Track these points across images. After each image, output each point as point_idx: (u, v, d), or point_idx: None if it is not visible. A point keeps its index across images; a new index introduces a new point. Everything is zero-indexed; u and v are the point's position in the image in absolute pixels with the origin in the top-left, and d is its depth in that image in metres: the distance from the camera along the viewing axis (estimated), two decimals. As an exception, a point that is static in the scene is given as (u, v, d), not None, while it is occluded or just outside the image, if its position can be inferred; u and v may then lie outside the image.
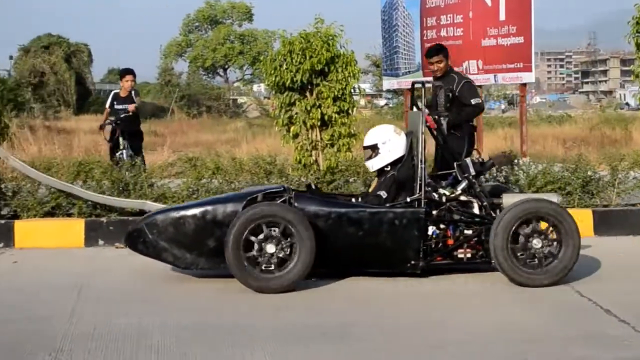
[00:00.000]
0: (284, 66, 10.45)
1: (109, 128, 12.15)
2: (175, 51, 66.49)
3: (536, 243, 7.02)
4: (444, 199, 7.41)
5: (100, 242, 9.07)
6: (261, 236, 6.92)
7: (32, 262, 8.24)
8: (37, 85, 42.07)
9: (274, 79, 10.64)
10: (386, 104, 51.19)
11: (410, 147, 7.57)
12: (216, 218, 7.16)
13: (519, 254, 7.01)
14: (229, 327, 5.91)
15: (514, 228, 6.99)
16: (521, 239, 7.02)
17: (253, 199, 7.28)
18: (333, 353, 5.37)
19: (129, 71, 12.70)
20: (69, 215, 9.42)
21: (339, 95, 10.54)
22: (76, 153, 13.38)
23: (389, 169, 7.62)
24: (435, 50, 9.07)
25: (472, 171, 7.55)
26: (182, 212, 7.34)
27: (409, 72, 14.14)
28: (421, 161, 7.36)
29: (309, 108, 10.56)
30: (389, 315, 6.26)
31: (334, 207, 7.26)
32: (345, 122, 10.72)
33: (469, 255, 7.33)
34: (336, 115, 10.58)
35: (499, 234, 6.98)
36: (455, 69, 9.69)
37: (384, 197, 7.46)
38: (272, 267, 6.92)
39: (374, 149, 7.66)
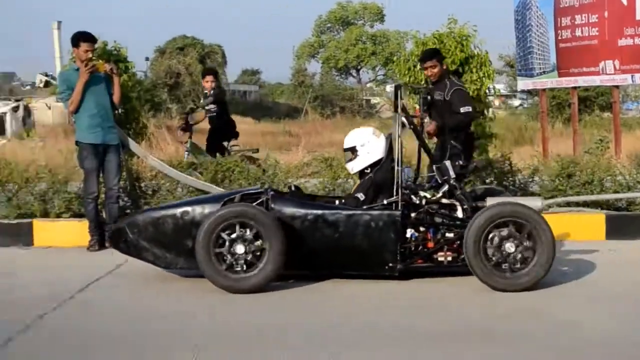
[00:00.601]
0: (418, 67, 10.53)
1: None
2: (307, 52, 67.31)
3: (509, 247, 6.89)
4: (423, 201, 7.34)
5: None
6: (232, 236, 6.93)
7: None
8: (172, 86, 43.35)
9: (407, 79, 10.79)
10: (520, 105, 50.59)
11: (390, 150, 7.52)
12: (194, 219, 7.22)
13: (492, 258, 6.89)
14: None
15: (485, 231, 6.88)
16: (494, 242, 6.89)
17: (230, 200, 7.33)
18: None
19: (209, 71, 12.55)
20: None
21: (474, 96, 10.56)
22: (211, 153, 13.77)
23: (368, 171, 7.63)
24: (429, 55, 8.87)
25: (452, 174, 7.51)
26: (162, 212, 7.44)
27: (544, 72, 14.10)
28: (398, 163, 7.28)
29: (443, 108, 10.63)
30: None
31: (311, 209, 7.23)
32: (481, 122, 10.77)
33: (449, 258, 7.22)
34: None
35: (470, 237, 6.88)
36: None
37: (362, 199, 7.44)
38: (240, 267, 6.94)
39: (353, 151, 7.70)
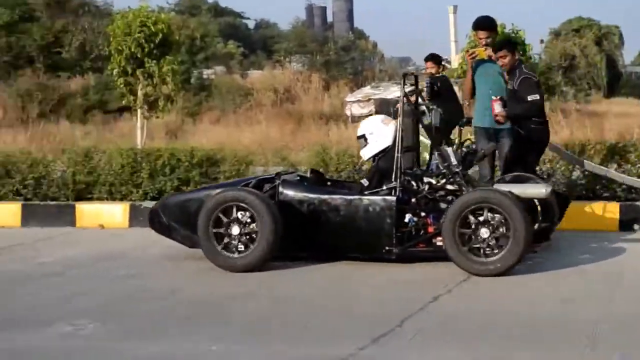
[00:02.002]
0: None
1: None
2: None
3: (484, 232, 7.09)
4: (426, 187, 7.58)
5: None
6: (230, 218, 7.46)
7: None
8: (567, 68, 42.64)
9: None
10: None
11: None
12: None
13: (466, 242, 7.10)
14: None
15: (461, 216, 7.10)
16: (470, 227, 7.11)
17: (246, 185, 7.85)
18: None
19: (428, 57, 11.41)
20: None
21: None
22: (607, 136, 13.44)
23: (379, 157, 7.94)
24: (500, 45, 8.79)
25: (453, 160, 7.65)
26: (188, 196, 8.27)
27: None
28: (398, 150, 7.54)
29: None
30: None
31: (316, 194, 7.71)
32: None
33: None
34: None
35: (446, 221, 7.14)
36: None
37: (365, 185, 7.85)
38: (235, 248, 7.48)
39: (364, 139, 8.06)
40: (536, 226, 7.71)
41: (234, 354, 5.30)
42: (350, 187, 8.27)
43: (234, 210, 7.54)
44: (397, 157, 7.58)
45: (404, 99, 7.80)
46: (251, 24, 63.64)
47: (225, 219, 7.56)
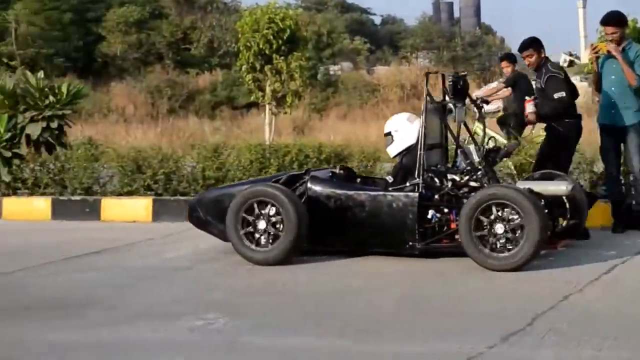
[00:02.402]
0: None
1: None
2: None
3: (498, 229, 7.23)
4: (449, 184, 7.75)
5: None
6: (256, 213, 7.73)
7: None
8: None
9: None
10: None
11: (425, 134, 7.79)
12: None
13: (483, 238, 7.24)
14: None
15: (476, 213, 7.24)
16: (485, 223, 7.25)
17: (277, 181, 8.09)
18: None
19: (503, 57, 11.63)
20: None
21: None
22: None
23: (403, 154, 8.17)
24: (525, 45, 8.99)
25: (475, 157, 7.85)
26: (223, 191, 8.48)
27: None
28: (421, 147, 7.70)
29: None
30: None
31: (342, 190, 7.92)
32: None
33: None
34: None
35: (462, 217, 7.30)
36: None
37: (390, 181, 8.09)
38: (262, 242, 7.73)
39: (389, 136, 8.29)
40: (564, 223, 8.00)
41: (361, 351, 5.28)
42: (378, 183, 8.48)
43: (260, 205, 7.78)
44: (420, 154, 7.74)
45: (427, 97, 7.95)
46: (377, 20, 63.52)
47: (251, 214, 7.79)
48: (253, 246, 7.79)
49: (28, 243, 9.16)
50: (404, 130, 8.24)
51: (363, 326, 5.79)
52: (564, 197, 7.91)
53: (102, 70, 38.24)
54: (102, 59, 39.51)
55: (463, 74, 8.42)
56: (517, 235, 7.17)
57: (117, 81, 34.15)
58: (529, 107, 8.92)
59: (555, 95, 8.70)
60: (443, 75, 8.35)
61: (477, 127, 9.70)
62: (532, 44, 8.99)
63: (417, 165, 7.73)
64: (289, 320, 6.02)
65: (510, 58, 12.63)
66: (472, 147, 8.00)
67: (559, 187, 7.85)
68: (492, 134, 10.82)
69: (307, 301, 6.54)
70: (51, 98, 11.17)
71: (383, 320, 5.95)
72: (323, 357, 5.23)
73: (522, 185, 7.79)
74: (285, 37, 14.66)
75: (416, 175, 7.75)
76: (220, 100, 33.17)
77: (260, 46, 14.44)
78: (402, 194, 7.76)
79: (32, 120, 11.18)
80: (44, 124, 11.17)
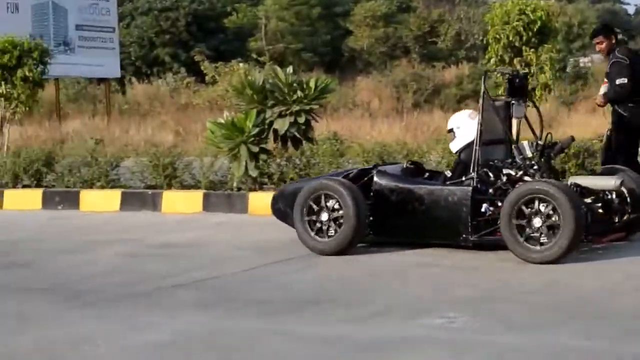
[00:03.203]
0: None
1: None
2: None
3: (536, 222, 7.56)
4: (504, 178, 8.09)
5: None
6: (320, 205, 8.30)
7: None
8: None
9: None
10: None
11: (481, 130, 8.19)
12: None
13: (522, 231, 7.59)
14: None
15: (517, 206, 7.61)
16: (525, 217, 7.59)
17: (347, 175, 8.66)
18: None
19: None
20: None
21: None
22: None
23: (462, 150, 8.56)
24: (595, 32, 9.52)
25: (528, 153, 8.21)
26: (298, 185, 8.92)
27: None
28: (476, 143, 8.14)
29: None
30: None
31: (405, 184, 8.40)
32: None
33: None
34: None
35: (503, 211, 7.68)
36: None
37: (448, 176, 8.46)
38: (325, 232, 8.29)
39: (452, 132, 8.72)
40: (625, 217, 8.26)
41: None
42: (440, 178, 8.72)
43: (323, 197, 8.32)
44: (475, 149, 8.14)
45: (484, 94, 8.29)
46: (631, 10, 60.97)
47: (316, 207, 8.34)
48: (317, 237, 8.35)
49: (277, 238, 9.27)
50: (466, 126, 8.60)
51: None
52: (625, 191, 8.20)
53: (349, 65, 38.82)
54: (348, 54, 40.11)
55: (524, 72, 9.10)
56: (554, 229, 7.51)
57: (363, 75, 34.51)
58: (601, 90, 9.38)
59: (617, 81, 9.18)
60: (503, 74, 8.89)
61: None
62: (602, 31, 9.49)
63: (473, 161, 8.15)
64: (537, 318, 5.85)
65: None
66: (525, 143, 8.37)
67: (607, 182, 8.20)
68: None
69: (555, 300, 6.34)
70: (299, 93, 11.31)
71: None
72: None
73: (572, 180, 8.32)
74: (535, 29, 14.20)
75: (471, 170, 8.16)
76: (467, 94, 32.78)
77: (510, 38, 14.06)
78: (457, 188, 8.20)
79: (280, 115, 11.36)
80: (292, 119, 11.32)
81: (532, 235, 7.61)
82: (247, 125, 11.01)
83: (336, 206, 8.25)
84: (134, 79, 32.66)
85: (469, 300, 6.49)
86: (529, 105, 8.94)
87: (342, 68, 37.51)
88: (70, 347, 5.61)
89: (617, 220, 8.26)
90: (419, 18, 39.74)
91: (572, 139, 8.81)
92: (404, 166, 8.93)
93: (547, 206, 7.55)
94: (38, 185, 12.62)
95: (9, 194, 12.44)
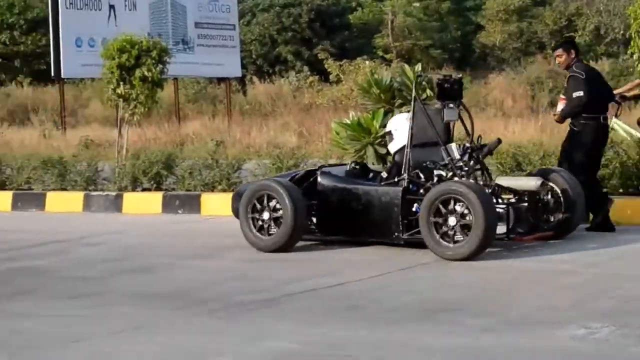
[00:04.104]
0: None
1: None
2: None
3: (451, 221, 8.31)
4: (435, 179, 8.85)
5: None
6: (263, 204, 9.16)
7: None
8: None
9: None
10: None
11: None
12: None
13: (439, 228, 8.34)
14: None
15: (434, 205, 8.35)
16: (442, 215, 8.35)
17: (294, 176, 9.64)
18: None
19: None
20: None
21: None
22: None
23: (397, 152, 9.22)
24: (556, 46, 10.50)
25: (456, 155, 8.96)
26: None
27: None
28: (407, 145, 8.91)
29: None
30: None
31: (343, 184, 9.20)
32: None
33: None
34: None
35: (422, 209, 8.46)
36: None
37: (384, 177, 9.20)
38: (266, 230, 9.14)
39: (390, 134, 9.38)
40: (559, 216, 9.06)
41: None
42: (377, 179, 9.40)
43: (266, 198, 9.16)
44: (406, 152, 8.90)
45: (416, 98, 9.06)
46: None
47: (259, 206, 9.20)
48: (259, 234, 9.19)
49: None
50: (402, 129, 9.21)
51: None
52: (559, 193, 9.01)
53: (480, 62, 38.45)
54: (480, 50, 39.74)
55: (458, 76, 9.60)
56: (469, 228, 8.20)
57: (495, 73, 34.11)
58: (558, 107, 9.93)
59: (574, 94, 9.61)
60: (431, 78, 9.68)
61: (615, 124, 10.79)
62: (562, 45, 10.20)
63: (405, 162, 8.91)
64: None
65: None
66: (453, 145, 9.15)
67: (529, 183, 9.07)
68: (632, 130, 11.97)
69: None
70: (428, 92, 11.24)
71: None
72: None
73: (498, 180, 9.19)
74: (684, 21, 13.76)
75: (403, 171, 8.91)
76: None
77: (655, 32, 13.66)
78: (389, 188, 8.99)
79: (408, 114, 11.29)
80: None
81: (447, 232, 8.34)
82: (374, 126, 10.97)
83: (277, 206, 9.06)
84: (255, 78, 33.06)
85: (612, 310, 6.39)
86: (461, 109, 9.48)
87: (473, 65, 37.18)
88: (197, 355, 5.73)
89: (552, 220, 9.10)
90: (555, 12, 39.05)
91: (499, 141, 9.46)
92: (349, 167, 9.70)
93: (462, 206, 8.26)
94: (157, 189, 12.91)
95: (128, 197, 12.76)
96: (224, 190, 12.22)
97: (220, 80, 29.41)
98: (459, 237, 8.29)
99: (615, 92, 11.83)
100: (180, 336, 6.19)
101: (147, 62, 14.23)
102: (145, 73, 14.17)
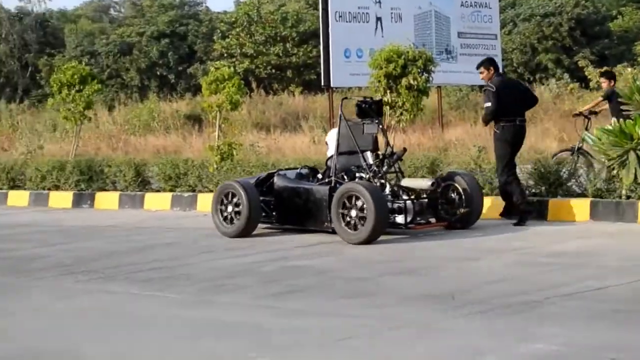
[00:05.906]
0: None
1: None
2: None
3: (353, 212, 10.23)
4: (357, 180, 10.88)
5: None
6: (228, 200, 11.26)
7: None
8: None
9: None
10: None
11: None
12: None
13: (345, 219, 10.32)
14: None
15: (341, 199, 10.35)
16: (346, 207, 10.31)
17: (258, 178, 11.70)
18: None
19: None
20: None
21: None
22: None
23: (329, 158, 11.43)
24: (479, 64, 11.73)
25: (370, 161, 11.02)
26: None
27: None
28: (335, 154, 11.11)
29: None
30: None
31: (291, 184, 11.34)
32: None
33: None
34: None
35: (333, 202, 10.46)
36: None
37: (319, 178, 11.40)
38: (229, 221, 11.28)
39: (326, 144, 11.86)
40: (461, 210, 10.86)
41: None
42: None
43: (230, 195, 11.20)
44: (333, 158, 11.07)
45: (341, 116, 11.07)
46: None
47: (226, 201, 11.26)
48: (225, 224, 11.28)
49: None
50: (333, 141, 11.32)
51: None
52: (461, 191, 10.81)
53: None
54: None
55: (377, 99, 11.85)
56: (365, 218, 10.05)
57: None
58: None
59: (485, 105, 11.38)
60: (346, 99, 11.86)
61: (586, 136, 11.21)
62: (484, 63, 11.63)
63: (332, 166, 11.04)
64: None
65: (607, 75, 14.12)
66: (368, 154, 11.08)
67: (422, 184, 10.97)
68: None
69: None
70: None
71: None
72: None
73: (403, 182, 10.93)
74: None
75: (331, 174, 10.98)
76: None
77: None
78: (321, 187, 10.99)
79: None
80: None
81: (350, 221, 10.23)
82: (636, 132, 10.56)
83: (238, 202, 11.08)
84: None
85: None
86: (381, 125, 11.37)
87: None
88: (460, 357, 5.73)
89: (457, 213, 10.86)
90: None
91: (405, 150, 11.39)
92: (299, 170, 11.65)
93: (361, 201, 10.09)
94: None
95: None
96: (486, 195, 12.13)
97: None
98: (359, 225, 10.11)
99: (584, 108, 15.18)
100: (448, 339, 6.16)
101: (413, 71, 14.41)
102: (411, 81, 14.35)
